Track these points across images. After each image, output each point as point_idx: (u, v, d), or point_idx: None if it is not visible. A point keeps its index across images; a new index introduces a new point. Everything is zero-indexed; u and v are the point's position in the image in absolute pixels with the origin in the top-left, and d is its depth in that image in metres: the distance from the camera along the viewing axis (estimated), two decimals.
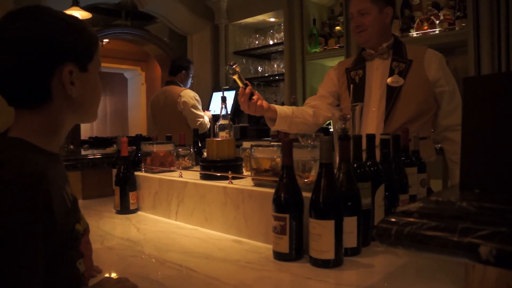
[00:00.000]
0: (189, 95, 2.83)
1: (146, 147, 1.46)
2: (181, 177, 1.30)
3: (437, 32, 2.55)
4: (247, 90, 1.34)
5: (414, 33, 2.64)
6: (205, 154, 1.49)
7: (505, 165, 0.41)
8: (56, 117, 0.65)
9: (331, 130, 2.62)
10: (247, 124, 3.61)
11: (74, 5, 3.27)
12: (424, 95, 1.40)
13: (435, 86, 1.41)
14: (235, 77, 1.32)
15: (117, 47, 6.36)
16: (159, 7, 4.00)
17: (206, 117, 2.93)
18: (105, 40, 5.57)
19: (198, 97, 2.88)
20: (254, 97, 1.36)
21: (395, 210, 0.43)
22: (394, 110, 1.40)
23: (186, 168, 1.48)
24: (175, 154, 1.49)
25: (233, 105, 3.51)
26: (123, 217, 1.34)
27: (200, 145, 1.64)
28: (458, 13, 2.51)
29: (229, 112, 2.53)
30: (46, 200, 0.55)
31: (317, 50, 3.21)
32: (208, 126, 2.90)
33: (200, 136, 1.74)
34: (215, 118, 2.92)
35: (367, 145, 0.98)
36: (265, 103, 1.39)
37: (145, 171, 1.44)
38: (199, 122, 2.83)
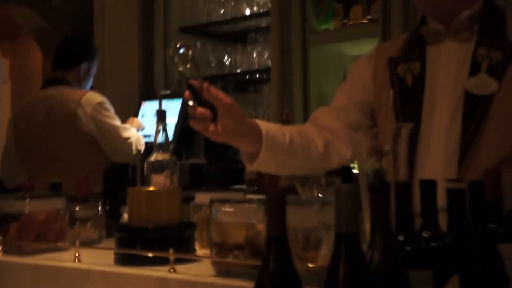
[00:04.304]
0: (95, 101, 2.84)
1: (8, 205, 1.46)
2: (79, 261, 1.30)
3: None
4: (205, 90, 1.32)
5: None
6: (125, 216, 1.49)
7: None
8: None
9: (356, 171, 2.62)
10: (204, 160, 3.60)
11: None
12: None
13: None
14: (182, 68, 1.32)
15: None
16: None
17: (133, 131, 2.96)
18: None
19: (109, 104, 2.89)
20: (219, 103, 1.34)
21: None
22: (478, 137, 1.40)
23: (88, 244, 1.47)
24: (67, 217, 1.49)
25: (178, 125, 3.52)
26: None
27: (116, 197, 1.65)
28: None
29: (170, 139, 2.51)
30: None
31: (330, 26, 3.25)
32: (143, 148, 2.92)
33: (116, 181, 1.72)
34: (146, 149, 2.93)
35: (423, 201, 0.98)
36: (237, 115, 1.38)
37: (5, 252, 1.43)
38: (127, 144, 2.86)
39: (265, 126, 1.45)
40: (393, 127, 1.11)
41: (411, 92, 1.49)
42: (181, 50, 1.30)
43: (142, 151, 2.90)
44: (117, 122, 2.87)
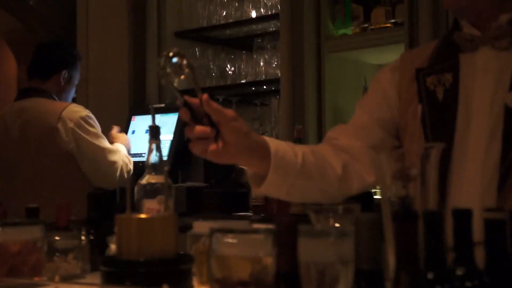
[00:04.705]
0: (79, 115, 2.84)
1: None
2: None
3: None
4: (205, 103, 1.33)
5: None
6: (112, 247, 1.49)
7: None
8: None
9: (379, 197, 2.61)
10: (203, 183, 3.63)
11: None
12: None
13: None
14: (176, 81, 1.32)
15: None
16: None
17: (123, 149, 2.96)
18: None
19: (94, 119, 2.90)
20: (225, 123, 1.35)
21: None
22: None
23: (70, 279, 1.47)
24: (45, 248, 1.48)
25: (174, 142, 3.53)
26: None
27: (102, 225, 1.63)
28: None
29: (165, 159, 2.51)
30: None
31: (349, 31, 3.30)
32: (131, 171, 2.92)
33: (102, 207, 1.73)
34: (137, 169, 2.92)
35: (457, 233, 0.96)
36: (242, 130, 1.38)
37: None
38: (111, 169, 2.84)
39: (274, 143, 1.46)
40: (422, 147, 1.10)
41: (442, 107, 1.49)
42: (174, 60, 1.31)
43: (130, 175, 2.89)
44: (103, 142, 2.85)
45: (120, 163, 2.88)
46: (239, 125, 1.37)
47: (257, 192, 1.50)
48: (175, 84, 1.32)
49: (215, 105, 1.34)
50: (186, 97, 1.33)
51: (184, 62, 1.31)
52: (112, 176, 2.85)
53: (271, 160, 1.43)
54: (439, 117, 1.49)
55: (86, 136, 2.81)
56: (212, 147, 1.34)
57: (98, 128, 2.88)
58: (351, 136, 1.61)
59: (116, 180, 2.84)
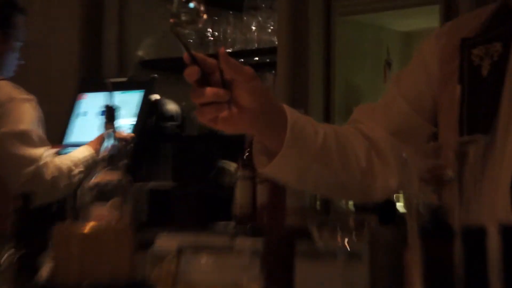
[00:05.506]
0: (10, 96, 2.86)
1: None
2: None
3: None
4: (224, 57, 1.36)
5: None
6: (45, 269, 1.47)
7: None
8: None
9: (400, 203, 2.62)
10: (171, 183, 3.63)
11: None
12: None
13: None
14: (188, 30, 1.36)
15: None
16: None
17: (46, 153, 2.90)
18: None
19: (38, 111, 2.90)
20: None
21: None
22: None
23: None
24: None
25: (137, 129, 3.52)
26: None
27: (33, 241, 1.61)
28: None
29: (123, 150, 2.50)
30: None
31: None
32: (72, 179, 2.88)
33: (34, 217, 1.73)
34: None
35: (506, 253, 0.98)
36: (262, 92, 1.42)
37: None
38: (31, 169, 2.81)
39: (292, 113, 1.48)
40: (456, 141, 1.10)
41: (485, 85, 1.50)
42: (191, 5, 1.33)
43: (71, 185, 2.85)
44: (31, 143, 2.84)
45: (38, 163, 2.83)
46: (258, 85, 1.40)
47: (263, 171, 1.51)
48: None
49: (232, 60, 1.37)
50: (195, 53, 1.36)
51: (202, 8, 1.33)
52: (33, 176, 2.83)
53: (286, 132, 1.45)
54: (481, 99, 1.50)
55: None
56: (224, 113, 1.37)
57: (40, 123, 2.87)
58: (378, 122, 1.64)
59: (39, 182, 2.80)
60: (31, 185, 2.75)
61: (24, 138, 2.84)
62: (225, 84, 1.36)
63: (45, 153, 2.84)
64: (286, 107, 1.48)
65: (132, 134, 3.24)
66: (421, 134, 1.60)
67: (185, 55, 1.35)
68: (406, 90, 1.65)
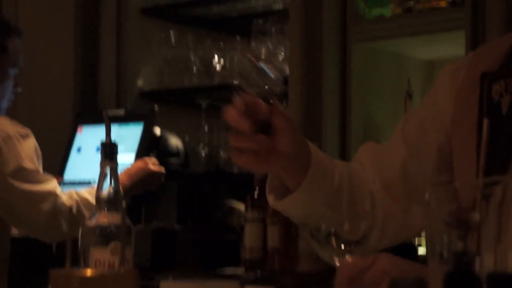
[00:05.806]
0: (7, 133, 2.84)
1: None
2: None
3: None
4: (276, 105, 1.45)
5: None
6: None
7: None
8: None
9: (421, 248, 2.65)
10: (175, 225, 3.60)
11: None
12: None
13: None
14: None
15: None
16: None
17: (56, 187, 2.91)
18: None
19: (35, 146, 2.91)
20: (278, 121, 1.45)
21: None
22: None
23: None
24: None
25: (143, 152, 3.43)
26: None
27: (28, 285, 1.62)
28: None
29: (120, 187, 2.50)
30: None
31: (387, 12, 3.28)
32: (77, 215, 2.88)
33: (30, 259, 1.75)
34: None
35: None
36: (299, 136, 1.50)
37: None
38: (44, 210, 2.80)
39: (316, 154, 1.56)
40: (479, 181, 1.10)
41: (505, 123, 1.53)
42: None
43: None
44: (36, 179, 2.85)
45: (52, 203, 2.79)
46: (300, 135, 1.49)
47: (274, 205, 1.58)
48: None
49: (282, 108, 1.45)
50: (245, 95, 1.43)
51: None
52: (39, 220, 2.80)
53: (307, 174, 1.51)
54: (501, 138, 1.50)
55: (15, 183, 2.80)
56: (262, 156, 1.44)
57: (38, 158, 2.87)
58: (378, 169, 1.68)
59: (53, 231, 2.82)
60: (54, 221, 2.79)
61: (30, 175, 2.83)
62: (265, 129, 1.43)
63: (56, 186, 2.86)
64: (311, 146, 1.55)
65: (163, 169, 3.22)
66: (420, 180, 1.63)
67: (237, 100, 1.41)
68: (421, 129, 1.68)
